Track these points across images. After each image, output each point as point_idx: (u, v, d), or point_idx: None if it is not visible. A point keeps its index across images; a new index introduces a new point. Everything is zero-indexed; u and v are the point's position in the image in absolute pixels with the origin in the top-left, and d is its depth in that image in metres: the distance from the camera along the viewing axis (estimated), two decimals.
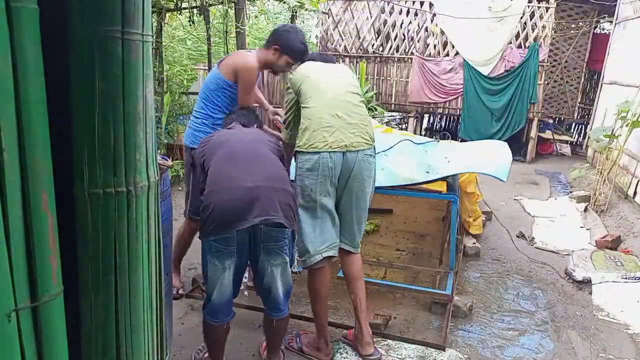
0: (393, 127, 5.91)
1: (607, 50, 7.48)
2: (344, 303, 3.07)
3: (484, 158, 3.31)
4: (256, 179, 2.00)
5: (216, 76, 2.89)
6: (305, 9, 5.68)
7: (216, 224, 1.94)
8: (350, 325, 2.81)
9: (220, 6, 5.17)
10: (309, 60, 2.68)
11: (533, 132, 8.32)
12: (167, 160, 2.32)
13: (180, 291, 3.15)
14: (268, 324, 2.28)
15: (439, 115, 10.95)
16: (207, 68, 6.43)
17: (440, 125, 11.51)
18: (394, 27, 8.66)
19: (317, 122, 2.28)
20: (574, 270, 3.61)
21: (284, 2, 5.18)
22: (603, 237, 4.28)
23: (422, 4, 8.42)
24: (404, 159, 3.30)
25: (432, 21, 8.40)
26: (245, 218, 1.93)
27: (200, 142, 2.35)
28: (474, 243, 4.00)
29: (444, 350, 2.57)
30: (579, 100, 9.01)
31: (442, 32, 8.29)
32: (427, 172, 3.05)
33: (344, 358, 2.50)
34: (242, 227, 1.94)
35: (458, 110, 8.51)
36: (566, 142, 9.40)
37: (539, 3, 7.86)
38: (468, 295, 3.22)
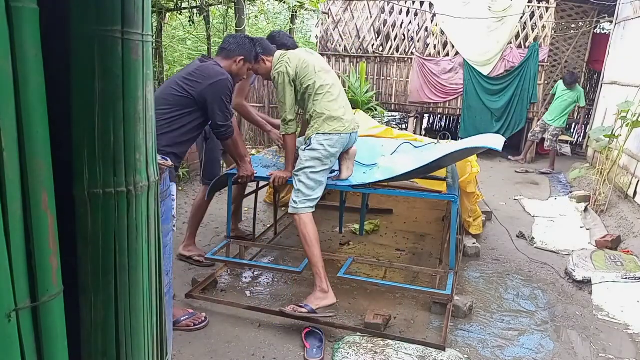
0: (393, 127, 5.91)
1: (607, 50, 7.48)
2: (344, 303, 3.07)
3: (477, 139, 3.30)
4: None
5: None
6: (305, 9, 5.68)
7: None
8: (350, 326, 2.82)
9: (220, 6, 5.17)
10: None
11: None
12: (167, 160, 2.33)
13: (202, 259, 3.43)
14: None
15: (439, 115, 10.96)
16: None
17: (440, 125, 11.53)
18: (394, 27, 8.67)
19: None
20: (574, 270, 3.61)
21: (284, 2, 5.18)
22: (603, 237, 4.28)
23: (422, 4, 8.42)
24: (400, 156, 3.32)
25: (432, 21, 8.40)
26: None
27: None
28: (474, 243, 4.00)
29: (444, 350, 2.57)
30: None
31: (442, 32, 8.29)
32: (425, 162, 3.05)
33: (344, 358, 2.50)
34: None
35: (458, 110, 8.51)
36: (566, 142, 9.40)
37: (539, 3, 7.86)
38: (468, 295, 3.22)
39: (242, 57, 2.86)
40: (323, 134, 2.84)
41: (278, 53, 2.92)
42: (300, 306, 2.68)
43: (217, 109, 2.74)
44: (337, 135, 2.87)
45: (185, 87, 2.70)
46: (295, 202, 2.85)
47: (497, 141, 2.96)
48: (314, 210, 2.89)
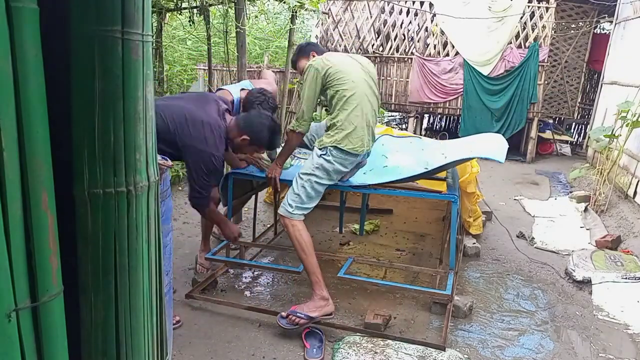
0: (393, 127, 5.92)
1: (607, 50, 7.48)
2: (344, 303, 3.07)
3: (480, 145, 3.31)
4: None
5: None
6: (305, 9, 5.67)
7: None
8: (350, 326, 2.82)
9: (220, 6, 5.16)
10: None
11: (533, 132, 8.33)
12: (167, 160, 2.32)
13: (210, 271, 3.31)
14: None
15: (439, 115, 10.96)
16: (207, 68, 6.42)
17: (440, 125, 11.52)
18: (394, 27, 8.66)
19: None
20: (574, 270, 3.61)
21: (284, 2, 5.17)
22: (603, 237, 4.28)
23: (422, 4, 8.42)
24: (402, 156, 3.33)
25: (432, 21, 8.40)
26: None
27: None
28: (474, 243, 4.00)
29: (444, 350, 2.57)
30: (579, 100, 9.01)
31: (442, 32, 8.29)
32: (426, 168, 3.06)
33: (344, 358, 2.50)
34: None
35: (458, 110, 8.51)
36: (566, 142, 9.40)
37: (539, 3, 7.86)
38: (468, 295, 3.22)
39: (248, 138, 2.70)
40: (341, 150, 2.68)
41: (330, 53, 2.85)
42: (300, 317, 2.61)
43: (193, 177, 2.58)
44: (353, 156, 2.74)
45: (178, 125, 2.53)
46: (290, 205, 2.72)
47: (499, 151, 2.96)
48: (304, 218, 2.79)
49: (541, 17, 7.85)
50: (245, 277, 3.46)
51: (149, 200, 0.95)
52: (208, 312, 2.90)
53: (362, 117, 2.70)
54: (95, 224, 0.86)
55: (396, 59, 8.79)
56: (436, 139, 3.99)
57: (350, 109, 2.66)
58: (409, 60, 8.67)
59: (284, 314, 2.65)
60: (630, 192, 5.07)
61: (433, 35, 8.40)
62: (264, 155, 3.33)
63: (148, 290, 0.98)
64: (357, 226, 4.32)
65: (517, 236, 4.45)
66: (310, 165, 2.75)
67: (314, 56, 2.83)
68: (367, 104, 2.73)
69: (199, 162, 2.55)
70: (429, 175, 3.18)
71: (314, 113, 2.86)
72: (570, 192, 6.13)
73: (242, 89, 3.27)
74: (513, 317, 3.04)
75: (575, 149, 9.43)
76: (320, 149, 2.72)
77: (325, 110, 2.94)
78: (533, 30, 7.89)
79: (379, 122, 8.07)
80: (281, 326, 2.63)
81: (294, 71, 3.70)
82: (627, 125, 5.09)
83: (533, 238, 4.43)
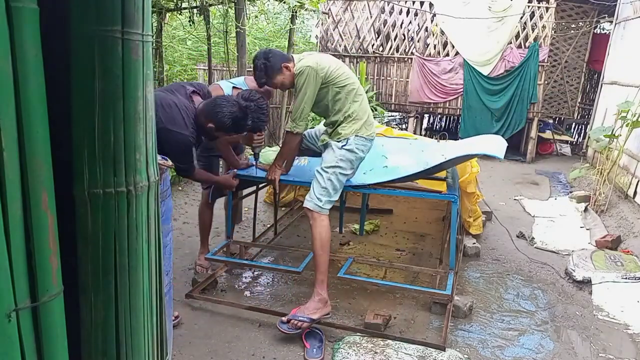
0: (393, 127, 5.92)
1: (607, 50, 7.48)
2: (344, 303, 3.07)
3: (480, 144, 3.32)
4: None
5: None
6: (305, 9, 5.67)
7: None
8: (350, 326, 2.82)
9: (220, 6, 5.16)
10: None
11: (533, 132, 8.33)
12: (167, 160, 2.32)
13: (210, 271, 3.30)
14: None
15: (439, 115, 10.96)
16: (207, 68, 6.42)
17: (440, 125, 11.52)
18: (394, 27, 8.66)
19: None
20: (574, 270, 3.61)
21: (284, 2, 5.17)
22: (603, 237, 4.28)
23: (422, 4, 8.42)
24: (402, 157, 3.33)
25: (432, 21, 8.40)
26: None
27: None
28: (474, 243, 4.00)
29: (444, 350, 2.57)
30: (579, 100, 9.01)
31: (442, 32, 8.29)
32: (426, 167, 3.07)
33: (344, 358, 2.50)
34: None
35: (458, 110, 8.51)
36: (566, 142, 9.40)
37: (539, 3, 7.86)
38: (468, 295, 3.22)
39: (212, 125, 2.59)
40: (361, 137, 2.78)
41: (299, 54, 2.83)
42: (303, 320, 2.61)
43: (172, 158, 2.43)
44: (370, 141, 2.85)
45: (159, 110, 2.50)
46: (320, 199, 2.73)
47: (499, 147, 2.97)
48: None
49: (541, 17, 7.85)
50: (245, 277, 3.46)
51: (149, 200, 0.95)
52: (208, 312, 2.90)
53: (368, 106, 2.90)
54: (95, 224, 0.86)
55: (396, 59, 8.79)
56: (436, 138, 3.99)
57: (360, 100, 2.81)
58: (409, 60, 8.67)
59: (284, 319, 2.64)
60: (630, 192, 5.07)
61: (433, 35, 8.40)
62: (250, 154, 3.33)
63: (148, 290, 0.98)
64: (357, 226, 4.32)
65: (517, 236, 4.45)
66: (332, 158, 2.78)
67: (287, 68, 2.72)
68: (365, 94, 2.91)
69: (171, 143, 2.48)
70: (428, 173, 3.19)
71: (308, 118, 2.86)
72: (570, 192, 6.13)
73: (235, 87, 3.22)
74: (513, 317, 3.04)
75: (575, 149, 9.43)
76: (339, 142, 2.78)
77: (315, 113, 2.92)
78: (533, 30, 7.90)
79: (379, 122, 8.08)
80: (283, 332, 2.61)
81: None
82: (627, 125, 5.09)
83: (533, 238, 4.43)
